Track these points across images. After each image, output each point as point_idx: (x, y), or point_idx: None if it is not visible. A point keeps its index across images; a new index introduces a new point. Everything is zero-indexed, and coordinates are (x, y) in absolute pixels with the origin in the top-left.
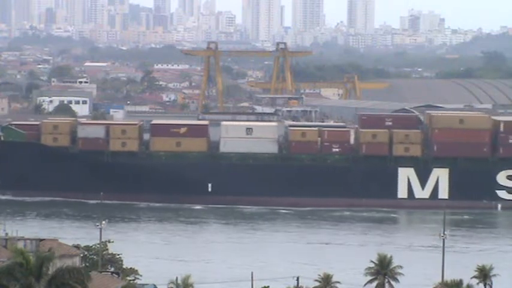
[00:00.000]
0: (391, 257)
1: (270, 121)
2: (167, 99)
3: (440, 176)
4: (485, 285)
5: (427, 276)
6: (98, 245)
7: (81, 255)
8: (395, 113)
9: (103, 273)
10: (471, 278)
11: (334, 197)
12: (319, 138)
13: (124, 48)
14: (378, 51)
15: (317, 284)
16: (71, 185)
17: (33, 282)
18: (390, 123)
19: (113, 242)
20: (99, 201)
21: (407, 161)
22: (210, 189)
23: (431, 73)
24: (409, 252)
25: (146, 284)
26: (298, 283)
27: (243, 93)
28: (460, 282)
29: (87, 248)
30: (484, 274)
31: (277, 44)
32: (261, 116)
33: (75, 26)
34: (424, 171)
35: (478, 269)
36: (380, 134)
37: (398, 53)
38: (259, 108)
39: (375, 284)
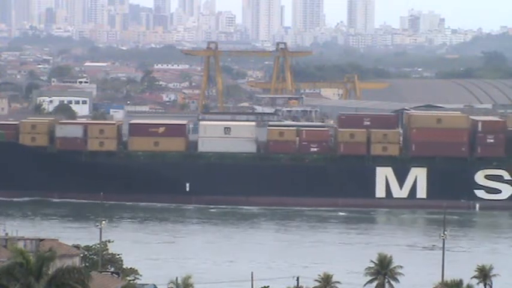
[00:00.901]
0: (391, 257)
1: (248, 121)
2: (167, 99)
3: (419, 175)
4: (485, 285)
5: (411, 276)
6: (98, 245)
7: (81, 255)
8: (373, 113)
9: (103, 273)
10: (471, 278)
11: (312, 197)
12: (297, 138)
13: (124, 48)
14: (378, 51)
15: (317, 284)
16: (50, 184)
17: (33, 282)
18: (369, 123)
19: (113, 241)
20: (78, 201)
21: (385, 161)
22: (188, 189)
23: (431, 73)
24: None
25: (146, 284)
26: (298, 283)
27: (243, 93)
28: (460, 282)
29: (87, 248)
30: (484, 274)
31: (277, 44)
32: (261, 116)
33: (75, 26)
34: (402, 170)
35: (478, 269)
36: (358, 133)
37: (398, 53)
38: (259, 108)
39: (375, 284)
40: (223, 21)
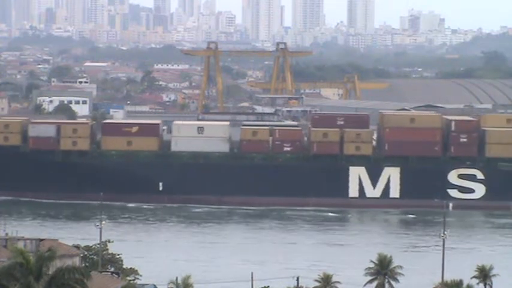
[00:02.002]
0: (390, 257)
1: (221, 120)
2: (167, 99)
3: (392, 175)
4: (485, 285)
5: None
6: (98, 245)
7: (81, 255)
8: (347, 113)
9: (103, 273)
10: (471, 278)
11: (285, 196)
12: (270, 137)
13: (124, 48)
14: (378, 51)
15: (317, 284)
16: (23, 184)
17: (33, 282)
18: (342, 123)
19: (112, 241)
20: (51, 201)
21: (358, 160)
22: (161, 188)
23: (431, 73)
24: (362, 251)
25: (146, 284)
26: (298, 283)
27: (243, 93)
28: (460, 282)
29: (87, 248)
30: (484, 274)
31: (277, 44)
32: (261, 116)
33: (75, 26)
34: (375, 170)
35: (478, 269)
36: (331, 133)
37: (398, 53)
38: (259, 108)
39: (375, 284)
40: (223, 21)
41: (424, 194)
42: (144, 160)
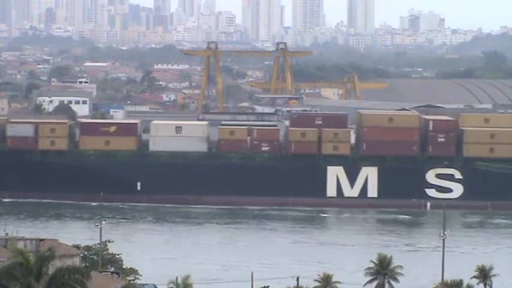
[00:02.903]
0: (390, 257)
1: (200, 120)
2: (167, 99)
3: (370, 174)
4: (485, 285)
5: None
6: (98, 245)
7: (81, 255)
8: (325, 112)
9: (103, 273)
10: (471, 278)
11: (263, 196)
12: (248, 137)
13: (124, 48)
14: (378, 51)
15: (317, 284)
16: (0, 184)
17: (33, 282)
18: (320, 122)
19: (112, 241)
20: (30, 200)
21: (336, 160)
22: (139, 188)
23: (431, 73)
24: (341, 250)
25: (146, 284)
26: (298, 283)
27: (243, 93)
28: (460, 282)
29: (87, 248)
30: (484, 274)
31: (277, 44)
32: (261, 116)
33: (75, 26)
34: (353, 169)
35: (478, 269)
36: (309, 132)
37: (398, 53)
38: (259, 108)
39: (375, 284)
40: (223, 21)
41: (402, 193)
42: (122, 160)
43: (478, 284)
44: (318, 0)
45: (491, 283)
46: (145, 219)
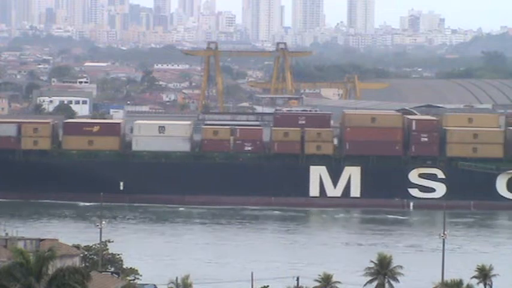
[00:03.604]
0: (390, 257)
1: (183, 120)
2: (167, 99)
3: (352, 174)
4: (485, 285)
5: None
6: (98, 245)
7: (81, 255)
8: (308, 112)
9: (103, 273)
10: (471, 278)
11: (246, 196)
12: (231, 137)
13: (124, 48)
14: (378, 51)
15: (317, 284)
16: None
17: (33, 282)
18: (303, 122)
19: (112, 241)
20: (12, 200)
21: (319, 159)
22: (122, 188)
23: (431, 73)
24: (325, 250)
25: (146, 284)
26: (298, 283)
27: (243, 93)
28: (460, 282)
29: (87, 248)
30: (484, 274)
31: (277, 44)
32: (261, 116)
33: (75, 26)
34: (336, 169)
35: (478, 269)
36: (292, 132)
37: (398, 53)
38: (259, 108)
39: (375, 284)
40: (223, 21)
41: (384, 193)
42: (105, 159)
43: (478, 284)
44: (318, 0)
45: (491, 283)
46: (130, 218)
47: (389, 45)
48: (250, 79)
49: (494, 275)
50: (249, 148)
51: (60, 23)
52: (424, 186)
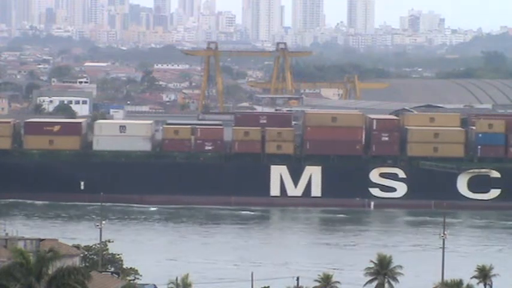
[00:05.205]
0: (390, 257)
1: (144, 119)
2: (167, 99)
3: (313, 173)
4: (485, 285)
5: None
6: (98, 245)
7: (81, 255)
8: (269, 111)
9: (103, 273)
10: (471, 278)
11: (207, 195)
12: (192, 136)
13: (124, 48)
14: (378, 51)
15: (317, 284)
16: None
17: (33, 282)
18: (265, 121)
19: (112, 241)
20: None
21: (280, 159)
22: (82, 187)
23: (431, 73)
24: (285, 250)
25: (146, 284)
26: (298, 283)
27: (243, 93)
28: (460, 282)
29: (87, 248)
30: (484, 274)
31: (277, 44)
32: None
33: (75, 26)
34: (296, 169)
35: (478, 269)
36: (252, 131)
37: (398, 53)
38: (259, 108)
39: (374, 284)
40: (223, 21)
41: (345, 192)
42: (66, 159)
43: (478, 284)
44: (318, 0)
45: (491, 283)
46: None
47: (389, 45)
48: (250, 79)
49: (494, 275)
50: (210, 148)
51: (60, 23)
52: (385, 186)
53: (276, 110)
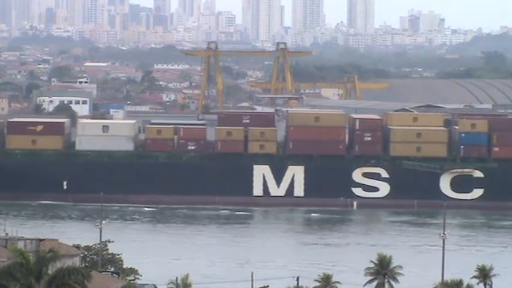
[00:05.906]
0: (390, 257)
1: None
2: (167, 99)
3: (296, 173)
4: (485, 285)
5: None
6: (98, 245)
7: (81, 255)
8: (252, 111)
9: (103, 273)
10: (471, 278)
11: (190, 195)
12: (175, 136)
13: (124, 48)
14: (378, 51)
15: (317, 284)
16: None
17: (33, 282)
18: (247, 121)
19: (112, 241)
20: None
21: (262, 159)
22: (65, 187)
23: (431, 73)
24: (271, 250)
25: (146, 284)
26: (298, 283)
27: (243, 93)
28: (460, 282)
29: (87, 248)
30: (484, 274)
31: (277, 44)
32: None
33: (75, 26)
34: (279, 168)
35: (478, 269)
36: (235, 131)
37: (398, 53)
38: (259, 108)
39: (374, 284)
40: (223, 21)
41: (328, 192)
42: (49, 159)
43: (478, 284)
44: (318, 0)
45: (491, 283)
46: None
47: (389, 45)
48: (250, 79)
49: (494, 275)
50: (193, 147)
51: (60, 23)
52: (368, 186)
53: (276, 110)
